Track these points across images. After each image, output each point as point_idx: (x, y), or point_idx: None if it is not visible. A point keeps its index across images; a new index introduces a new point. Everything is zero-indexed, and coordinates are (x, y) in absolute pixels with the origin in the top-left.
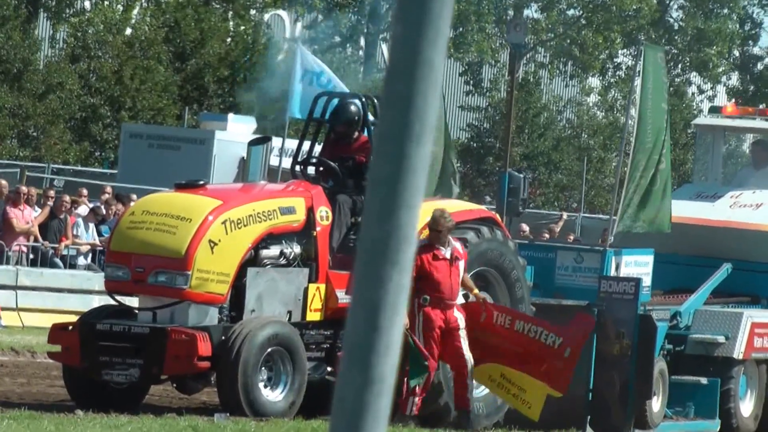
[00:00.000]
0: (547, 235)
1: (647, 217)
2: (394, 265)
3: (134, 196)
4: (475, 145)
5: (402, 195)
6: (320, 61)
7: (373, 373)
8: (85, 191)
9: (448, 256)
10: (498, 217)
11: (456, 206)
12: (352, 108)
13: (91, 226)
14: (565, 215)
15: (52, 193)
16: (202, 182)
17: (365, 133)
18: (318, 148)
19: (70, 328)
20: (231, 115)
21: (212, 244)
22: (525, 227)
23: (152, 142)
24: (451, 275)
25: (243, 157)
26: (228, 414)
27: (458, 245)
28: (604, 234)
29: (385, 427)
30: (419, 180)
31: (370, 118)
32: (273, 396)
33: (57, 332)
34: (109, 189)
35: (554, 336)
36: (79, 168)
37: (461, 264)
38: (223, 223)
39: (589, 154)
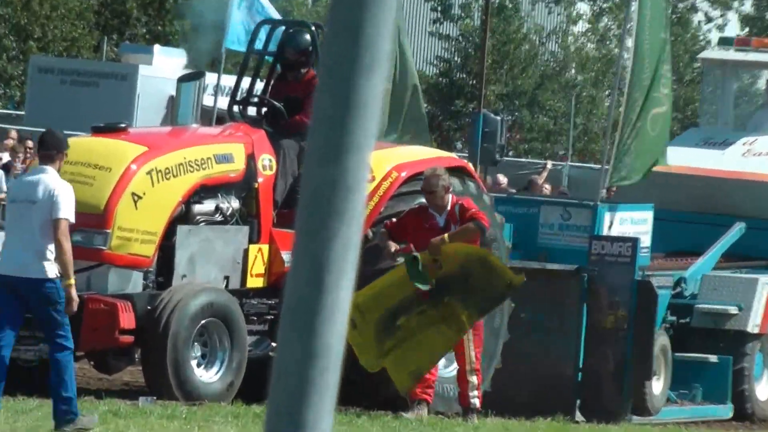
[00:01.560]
0: (539, 188)
1: (645, 167)
2: (341, 217)
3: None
4: (444, 81)
5: (349, 135)
6: None
7: (317, 343)
8: None
9: (442, 224)
10: (471, 166)
11: (421, 153)
12: (303, 38)
13: None
14: (549, 164)
15: None
16: (123, 125)
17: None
18: (260, 86)
19: None
20: (157, 47)
21: (136, 198)
22: (502, 178)
23: (65, 78)
24: None
25: (172, 96)
26: (155, 397)
27: (463, 204)
28: (596, 186)
29: (332, 407)
30: (369, 118)
31: None
32: (207, 376)
33: None
34: (14, 133)
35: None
36: None
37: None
38: (149, 173)
39: (578, 93)
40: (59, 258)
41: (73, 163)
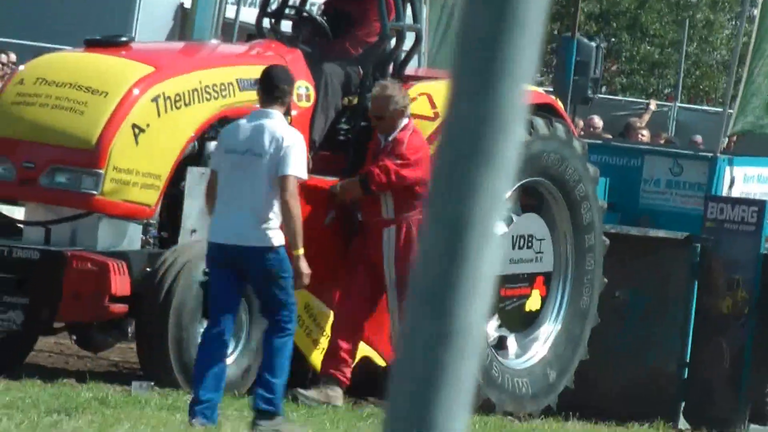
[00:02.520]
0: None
1: None
2: (488, 165)
3: (12, 56)
4: None
5: (506, 63)
6: None
7: (452, 322)
8: None
9: (382, 145)
10: (559, 104)
11: None
12: None
13: None
14: (653, 104)
15: None
16: (124, 38)
17: None
18: None
19: None
20: None
21: (137, 131)
22: (598, 121)
23: None
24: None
25: (181, 4)
26: (151, 383)
27: (397, 142)
28: (714, 134)
29: (468, 402)
30: (530, 40)
31: None
32: None
33: None
34: None
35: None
36: None
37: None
38: (155, 99)
39: (692, 16)
40: (286, 223)
41: (59, 84)
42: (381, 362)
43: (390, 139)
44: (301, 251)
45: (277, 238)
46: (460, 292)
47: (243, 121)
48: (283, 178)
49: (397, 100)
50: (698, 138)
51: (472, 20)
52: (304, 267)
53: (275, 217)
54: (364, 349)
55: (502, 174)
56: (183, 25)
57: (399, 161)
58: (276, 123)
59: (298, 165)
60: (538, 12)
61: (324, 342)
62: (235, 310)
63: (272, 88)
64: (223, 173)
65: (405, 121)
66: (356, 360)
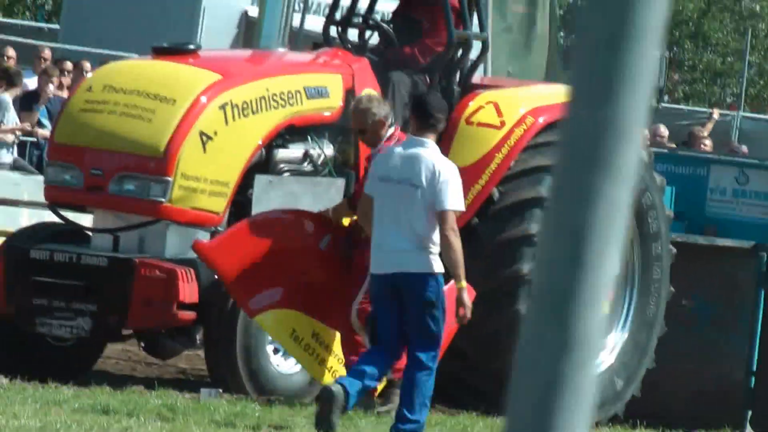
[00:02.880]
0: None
1: None
2: (608, 172)
3: (87, 64)
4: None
5: (626, 68)
6: None
7: (572, 332)
8: (11, 52)
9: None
10: None
11: (563, 95)
12: None
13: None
14: (716, 114)
15: None
16: (192, 46)
17: None
18: (365, 2)
19: None
20: None
21: (205, 138)
22: (663, 129)
23: None
24: None
25: (245, 12)
26: (219, 390)
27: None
28: None
29: (589, 407)
30: (649, 46)
31: None
32: (286, 366)
33: None
34: (47, 52)
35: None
36: (2, 20)
37: None
38: (222, 107)
39: (754, 26)
40: (447, 255)
41: (127, 92)
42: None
43: (376, 151)
44: (464, 284)
45: (438, 265)
46: (580, 300)
47: (397, 149)
48: (442, 214)
49: (374, 111)
50: (663, 129)
51: (592, 26)
52: (467, 300)
53: (434, 245)
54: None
55: (623, 181)
56: (247, 32)
57: None
58: (431, 153)
59: (456, 198)
60: (658, 17)
61: (336, 364)
62: (402, 338)
63: (427, 115)
64: (378, 201)
65: (391, 130)
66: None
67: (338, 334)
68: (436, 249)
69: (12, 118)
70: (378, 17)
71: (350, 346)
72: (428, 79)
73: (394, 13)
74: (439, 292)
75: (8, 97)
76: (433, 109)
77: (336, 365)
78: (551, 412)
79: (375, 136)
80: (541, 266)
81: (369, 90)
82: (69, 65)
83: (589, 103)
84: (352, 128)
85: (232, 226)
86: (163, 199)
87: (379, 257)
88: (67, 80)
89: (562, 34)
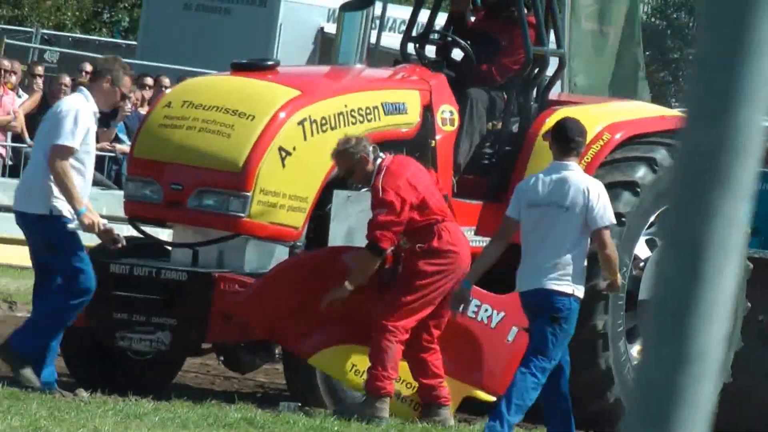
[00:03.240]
0: None
1: None
2: (725, 188)
3: (166, 80)
4: (658, 21)
5: (744, 87)
6: None
7: (689, 346)
8: (88, 67)
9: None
10: None
11: (640, 111)
12: None
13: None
14: None
15: (41, 69)
16: (271, 62)
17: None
18: (442, 19)
19: None
20: None
21: (284, 154)
22: None
23: (189, 2)
24: None
25: (322, 28)
26: (298, 403)
27: (388, 180)
28: None
29: (707, 422)
30: (765, 63)
31: None
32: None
33: None
34: None
35: (490, 308)
36: (80, 36)
37: None
38: (301, 123)
39: None
40: (608, 266)
41: (207, 107)
42: (488, 397)
43: (370, 189)
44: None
45: (578, 289)
46: (699, 314)
47: (541, 175)
48: (599, 232)
49: (352, 150)
50: None
51: (710, 45)
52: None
53: (578, 272)
54: (463, 389)
55: (740, 196)
56: (323, 49)
57: (384, 210)
58: (577, 174)
59: (608, 213)
60: None
61: (405, 389)
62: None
63: (568, 140)
64: (526, 226)
65: (379, 161)
66: (459, 402)
67: (404, 364)
68: (579, 277)
69: None
70: (455, 34)
71: (419, 368)
72: (506, 96)
73: (471, 30)
74: (571, 314)
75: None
76: (573, 133)
77: (405, 391)
78: (669, 426)
79: (364, 173)
80: (659, 281)
81: (344, 136)
82: (149, 81)
83: (706, 120)
84: (340, 175)
85: (257, 279)
86: (242, 214)
87: (526, 276)
88: (148, 94)
89: (647, 52)
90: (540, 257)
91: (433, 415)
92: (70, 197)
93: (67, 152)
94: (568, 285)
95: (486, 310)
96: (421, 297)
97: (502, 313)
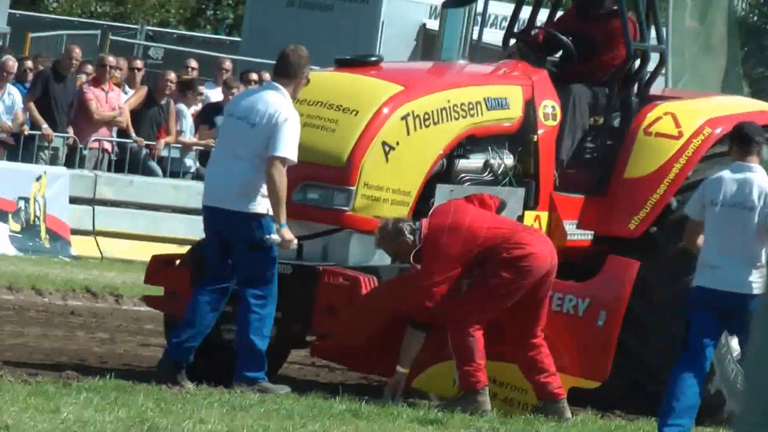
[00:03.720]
0: None
1: None
2: None
3: (267, 75)
4: (755, 14)
5: None
6: None
7: None
8: (194, 63)
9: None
10: None
11: (740, 106)
12: None
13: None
14: None
15: (140, 64)
16: (374, 58)
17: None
18: (543, 15)
19: (177, 263)
20: None
21: (387, 148)
22: None
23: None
24: None
25: (424, 25)
26: (403, 395)
27: (427, 248)
28: None
29: None
30: None
31: None
32: None
33: (158, 269)
34: (228, 63)
35: (574, 298)
36: (185, 32)
37: None
38: (404, 118)
39: None
40: None
41: (311, 102)
42: (591, 384)
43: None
44: None
45: (758, 289)
46: None
47: (726, 174)
48: None
49: (388, 233)
50: None
51: None
52: None
53: (759, 272)
54: (567, 381)
55: None
56: (425, 45)
57: (434, 281)
58: (760, 176)
59: None
60: None
61: (519, 395)
62: (713, 347)
63: (749, 141)
64: (710, 225)
65: (418, 231)
66: (566, 393)
67: (502, 364)
68: (760, 271)
69: (189, 126)
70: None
71: (530, 367)
72: (607, 91)
73: (566, 30)
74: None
75: (185, 107)
76: (754, 134)
77: (520, 397)
78: None
79: (407, 250)
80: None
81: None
82: (255, 76)
83: None
84: (392, 257)
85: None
86: (346, 208)
87: (710, 275)
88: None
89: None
90: (730, 257)
91: (551, 410)
92: (279, 209)
93: (286, 164)
94: (760, 284)
95: (570, 300)
96: (492, 298)
97: (588, 300)
